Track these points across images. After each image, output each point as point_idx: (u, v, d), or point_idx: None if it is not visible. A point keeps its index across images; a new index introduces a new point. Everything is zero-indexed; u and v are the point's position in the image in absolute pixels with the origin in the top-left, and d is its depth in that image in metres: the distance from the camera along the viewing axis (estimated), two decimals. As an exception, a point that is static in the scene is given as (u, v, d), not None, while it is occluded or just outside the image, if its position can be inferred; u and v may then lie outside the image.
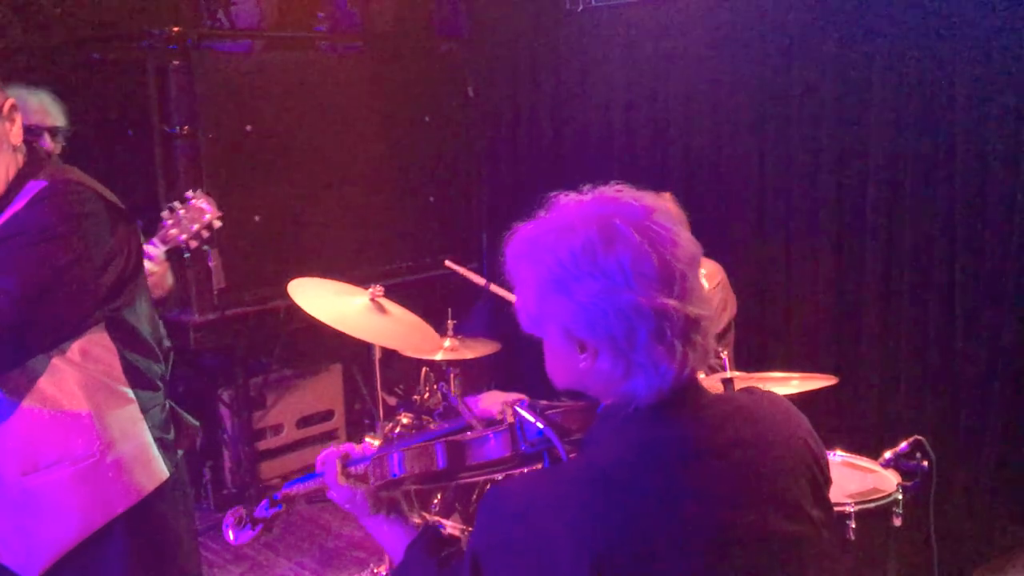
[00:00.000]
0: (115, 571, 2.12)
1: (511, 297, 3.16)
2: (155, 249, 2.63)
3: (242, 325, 4.34)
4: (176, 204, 2.70)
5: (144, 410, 2.15)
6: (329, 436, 5.24)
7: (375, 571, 3.76)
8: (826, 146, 3.86)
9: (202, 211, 2.68)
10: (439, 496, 2.86)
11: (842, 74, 3.77)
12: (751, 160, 4.12)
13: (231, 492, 4.79)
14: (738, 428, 1.39)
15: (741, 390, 1.52)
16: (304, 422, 5.11)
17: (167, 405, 2.28)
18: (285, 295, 3.12)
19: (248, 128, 4.26)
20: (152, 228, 2.69)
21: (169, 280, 2.65)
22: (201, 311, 4.17)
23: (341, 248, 4.67)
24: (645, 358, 1.30)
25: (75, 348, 2.04)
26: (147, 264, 2.55)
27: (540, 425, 1.50)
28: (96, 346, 2.06)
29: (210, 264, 4.11)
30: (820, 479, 1.45)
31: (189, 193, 2.73)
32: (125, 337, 2.11)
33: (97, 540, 2.09)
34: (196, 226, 2.67)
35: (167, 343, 2.30)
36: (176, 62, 4.06)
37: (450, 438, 1.61)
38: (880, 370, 3.80)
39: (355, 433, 5.26)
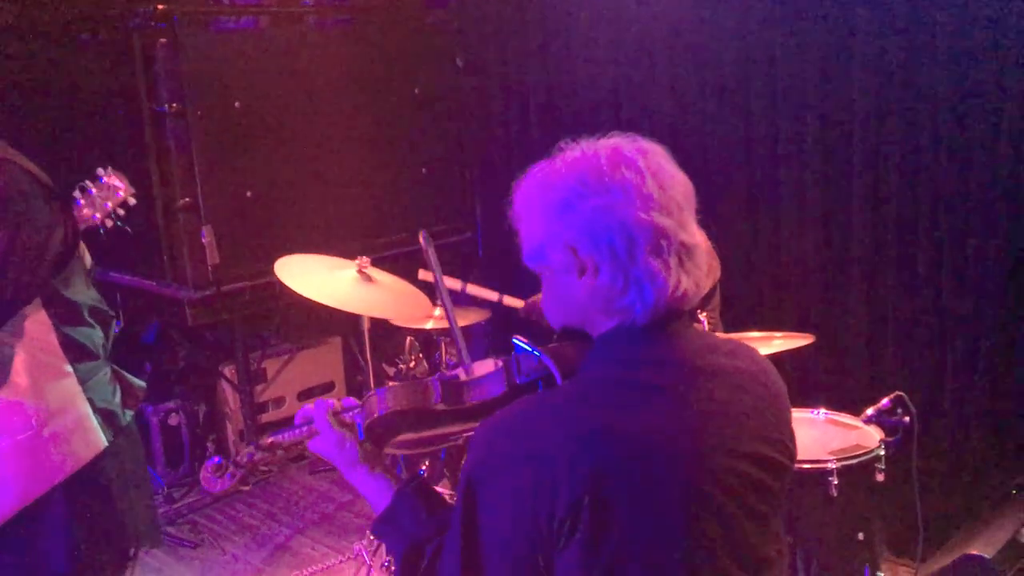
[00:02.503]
0: (58, 536, 2.16)
1: (490, 295, 3.23)
2: None
3: (238, 300, 4.38)
4: (87, 183, 2.60)
5: (83, 381, 2.17)
6: (330, 408, 5.31)
7: (375, 539, 3.82)
8: (812, 104, 3.85)
9: (115, 188, 2.60)
10: (427, 462, 2.89)
11: (826, 37, 3.75)
12: (737, 120, 4.11)
13: (235, 465, 4.86)
14: (724, 356, 1.45)
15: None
16: (305, 394, 5.19)
17: (109, 370, 2.30)
18: (279, 270, 3.15)
19: (237, 104, 4.27)
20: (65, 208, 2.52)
21: (88, 259, 2.53)
22: (196, 287, 4.21)
23: (335, 221, 4.70)
24: (643, 271, 1.35)
25: (12, 327, 2.05)
26: None
27: (536, 352, 1.47)
28: (33, 322, 2.08)
29: (203, 240, 4.14)
30: (789, 415, 1.53)
31: (100, 171, 2.64)
32: (61, 312, 2.13)
33: (38, 507, 2.14)
34: (110, 204, 2.58)
35: (108, 312, 2.31)
36: (163, 40, 4.06)
37: (446, 377, 1.58)
38: (865, 327, 3.81)
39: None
